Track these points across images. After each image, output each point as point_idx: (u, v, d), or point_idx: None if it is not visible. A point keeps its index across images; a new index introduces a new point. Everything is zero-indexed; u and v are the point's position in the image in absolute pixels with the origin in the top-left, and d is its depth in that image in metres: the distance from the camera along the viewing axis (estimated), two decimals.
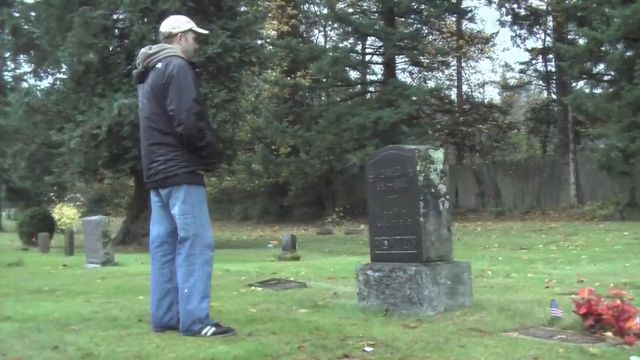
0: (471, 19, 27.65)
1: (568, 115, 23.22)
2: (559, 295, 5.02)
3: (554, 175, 22.84)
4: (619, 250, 9.89)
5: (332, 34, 31.04)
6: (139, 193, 16.50)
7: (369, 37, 26.32)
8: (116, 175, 16.62)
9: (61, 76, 17.17)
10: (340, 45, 25.78)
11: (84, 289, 6.33)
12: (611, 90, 18.82)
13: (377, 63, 27.50)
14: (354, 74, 30.15)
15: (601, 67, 20.27)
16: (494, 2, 26.46)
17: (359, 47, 27.06)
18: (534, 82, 29.03)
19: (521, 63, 26.85)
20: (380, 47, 25.95)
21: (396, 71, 26.18)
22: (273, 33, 28.40)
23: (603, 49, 18.26)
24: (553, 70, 26.07)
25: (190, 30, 4.10)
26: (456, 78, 30.25)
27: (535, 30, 26.81)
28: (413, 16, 26.39)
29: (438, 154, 4.54)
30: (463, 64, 29.97)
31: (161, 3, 13.92)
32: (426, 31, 27.74)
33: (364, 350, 3.36)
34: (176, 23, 4.09)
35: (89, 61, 14.30)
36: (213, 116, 14.01)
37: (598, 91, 20.82)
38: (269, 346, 3.44)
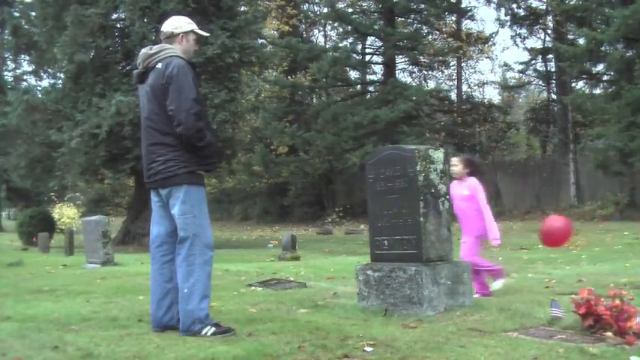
0: (471, 18, 27.70)
1: (568, 115, 23.22)
2: (559, 295, 5.02)
3: (554, 175, 22.84)
4: (619, 250, 9.90)
5: (332, 34, 31.09)
6: (139, 193, 16.49)
7: (369, 37, 26.33)
8: (116, 176, 16.62)
9: (60, 74, 17.16)
10: (340, 45, 25.78)
11: (84, 289, 6.32)
12: (610, 90, 18.82)
13: (377, 63, 27.50)
14: (354, 74, 30.17)
15: (601, 67, 20.30)
16: (494, 2, 26.49)
17: (359, 47, 27.08)
18: (534, 82, 29.05)
19: (521, 63, 26.97)
20: (380, 47, 25.95)
21: (396, 71, 26.19)
22: (274, 33, 28.38)
23: (603, 49, 18.28)
24: (553, 70, 26.08)
25: (192, 31, 4.10)
26: (455, 78, 30.26)
27: (535, 30, 26.83)
28: (413, 15, 26.42)
29: (438, 154, 4.54)
30: (463, 64, 29.96)
31: (163, 3, 13.91)
32: (426, 31, 27.74)
33: (364, 350, 3.36)
34: (178, 23, 4.10)
35: (82, 60, 14.27)
36: (213, 116, 14.01)
37: (598, 91, 20.84)
38: (269, 346, 3.44)
